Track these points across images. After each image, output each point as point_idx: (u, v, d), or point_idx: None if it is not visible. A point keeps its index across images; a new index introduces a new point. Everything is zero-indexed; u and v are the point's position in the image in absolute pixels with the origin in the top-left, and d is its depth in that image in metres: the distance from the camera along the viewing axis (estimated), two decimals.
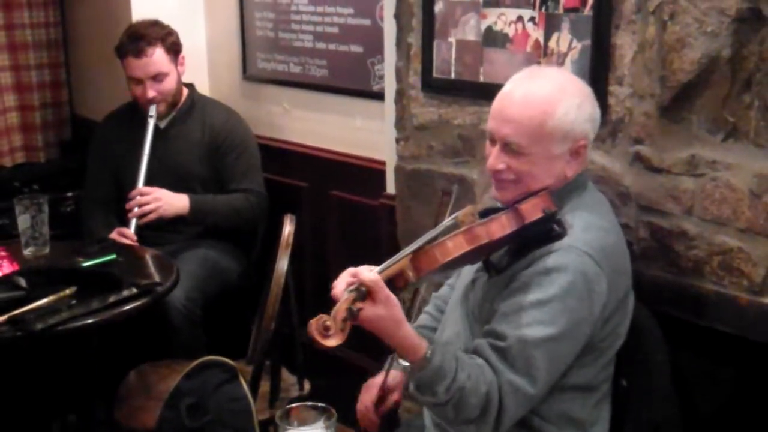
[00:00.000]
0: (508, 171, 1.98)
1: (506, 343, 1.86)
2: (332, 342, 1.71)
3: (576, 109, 1.95)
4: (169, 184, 3.42)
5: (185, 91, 3.65)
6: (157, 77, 3.47)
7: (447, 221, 1.87)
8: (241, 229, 3.64)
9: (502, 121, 1.97)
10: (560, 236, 1.88)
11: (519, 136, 1.94)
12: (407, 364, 1.85)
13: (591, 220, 1.97)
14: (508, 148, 1.97)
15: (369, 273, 1.78)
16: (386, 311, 1.78)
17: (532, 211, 1.88)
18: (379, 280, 1.76)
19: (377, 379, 2.30)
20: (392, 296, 1.79)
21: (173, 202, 3.40)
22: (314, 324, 1.71)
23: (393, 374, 2.29)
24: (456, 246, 1.80)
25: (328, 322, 1.72)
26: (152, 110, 3.46)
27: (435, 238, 1.83)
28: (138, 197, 3.32)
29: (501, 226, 1.86)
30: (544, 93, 1.95)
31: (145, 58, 3.44)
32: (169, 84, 3.52)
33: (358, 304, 1.75)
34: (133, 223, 3.30)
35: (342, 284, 1.80)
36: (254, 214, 3.58)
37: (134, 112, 3.58)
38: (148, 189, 3.35)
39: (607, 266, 1.91)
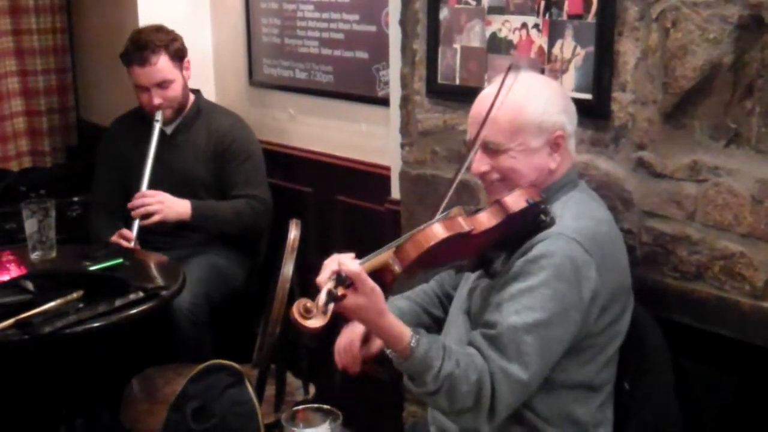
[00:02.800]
0: (492, 171, 2.05)
1: (497, 331, 1.89)
2: (313, 323, 1.72)
3: (545, 101, 2.03)
4: (175, 190, 3.44)
5: (192, 97, 3.67)
6: (163, 84, 3.49)
7: (436, 218, 1.89)
8: (245, 235, 3.65)
9: (478, 124, 2.02)
10: (548, 225, 1.92)
11: (495, 135, 2.02)
12: (393, 353, 1.86)
13: (582, 210, 2.02)
14: (488, 149, 2.04)
15: (351, 263, 1.79)
16: (368, 302, 1.79)
17: (516, 201, 1.90)
18: (361, 272, 1.78)
19: None
20: (376, 287, 1.80)
21: (175, 206, 3.42)
22: (295, 306, 1.73)
23: None
24: (436, 232, 1.82)
25: (309, 305, 1.73)
26: (158, 115, 3.48)
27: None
28: (141, 199, 3.34)
29: (486, 217, 1.89)
30: (514, 92, 2.02)
31: (150, 66, 3.46)
32: (175, 90, 3.53)
33: (341, 290, 1.76)
34: (136, 224, 3.31)
35: (326, 272, 1.81)
36: (257, 220, 3.59)
37: (142, 117, 3.59)
38: (151, 192, 3.37)
39: (598, 254, 1.94)
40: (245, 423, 2.46)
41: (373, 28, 3.48)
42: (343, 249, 3.65)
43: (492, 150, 2.03)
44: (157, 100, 3.48)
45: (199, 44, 4.07)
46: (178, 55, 3.55)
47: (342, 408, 1.79)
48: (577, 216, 1.99)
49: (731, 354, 2.16)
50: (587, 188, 2.13)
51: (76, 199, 4.14)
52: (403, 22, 2.87)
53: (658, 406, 2.10)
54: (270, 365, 2.76)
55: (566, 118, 2.06)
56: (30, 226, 3.03)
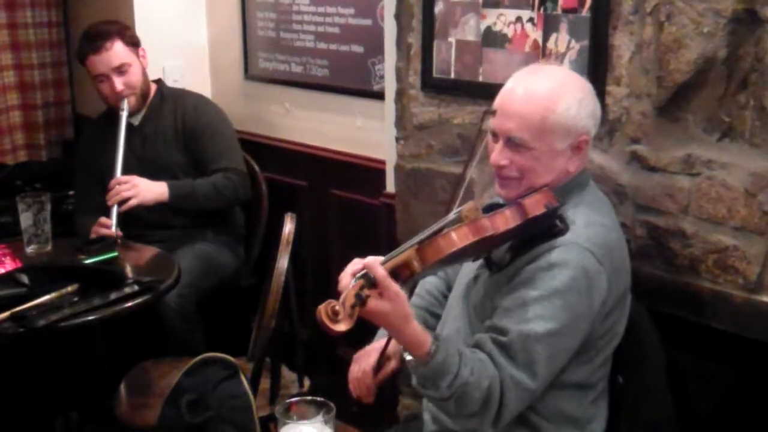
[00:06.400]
0: (511, 166, 2.00)
1: (508, 338, 1.88)
2: (341, 327, 1.70)
3: (577, 104, 1.97)
4: (153, 179, 3.43)
5: (153, 86, 3.66)
6: (121, 68, 3.48)
7: (450, 215, 1.89)
8: (228, 208, 3.65)
9: (506, 116, 1.98)
10: (562, 232, 1.90)
11: (522, 131, 1.96)
12: (411, 357, 1.86)
13: (593, 216, 1.99)
14: (511, 143, 1.98)
15: (378, 266, 1.77)
16: (393, 307, 1.78)
17: (535, 206, 1.90)
18: (387, 276, 1.76)
19: (376, 345, 2.24)
20: (401, 292, 1.79)
21: (151, 188, 3.38)
22: (323, 309, 1.70)
23: (393, 342, 2.19)
24: (461, 237, 1.81)
25: (337, 307, 1.71)
26: (123, 104, 3.46)
27: (439, 231, 1.84)
28: (116, 186, 3.33)
29: (505, 220, 1.88)
30: (546, 89, 1.98)
31: (105, 51, 3.45)
32: (135, 75, 3.52)
33: (366, 291, 1.74)
34: (114, 210, 3.27)
35: (348, 276, 1.80)
36: (236, 192, 3.55)
37: (110, 117, 3.57)
38: (124, 177, 3.34)
39: (608, 263, 1.93)
40: (240, 416, 2.46)
41: (368, 22, 3.48)
42: (337, 243, 3.67)
43: (515, 144, 1.97)
44: (119, 86, 3.46)
45: (195, 38, 4.07)
46: (133, 42, 3.55)
47: (336, 402, 1.79)
48: (588, 223, 1.96)
49: (725, 347, 2.16)
50: (597, 189, 2.10)
51: (71, 192, 4.11)
52: (398, 16, 2.87)
53: (652, 399, 2.10)
54: (265, 358, 2.77)
55: (592, 122, 2.02)
56: (25, 219, 3.03)
